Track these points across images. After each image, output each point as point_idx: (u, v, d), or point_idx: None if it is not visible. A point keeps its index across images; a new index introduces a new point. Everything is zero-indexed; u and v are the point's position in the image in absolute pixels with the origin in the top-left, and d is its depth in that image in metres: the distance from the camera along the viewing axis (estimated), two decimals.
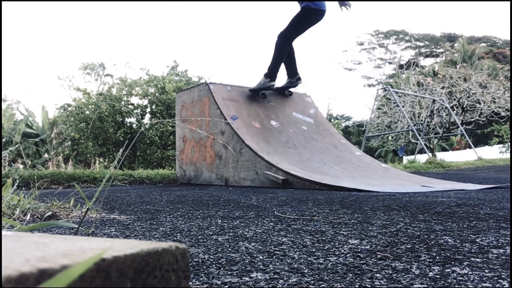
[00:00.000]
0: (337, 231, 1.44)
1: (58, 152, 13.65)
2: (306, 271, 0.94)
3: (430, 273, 0.90)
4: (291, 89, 5.30)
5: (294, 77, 5.05)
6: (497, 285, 0.80)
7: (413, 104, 15.43)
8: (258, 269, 0.96)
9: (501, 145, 19.53)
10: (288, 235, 1.38)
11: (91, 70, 18.81)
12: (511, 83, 15.11)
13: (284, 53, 4.80)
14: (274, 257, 1.08)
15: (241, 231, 1.47)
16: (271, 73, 4.84)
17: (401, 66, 35.17)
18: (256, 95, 4.96)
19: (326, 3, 4.76)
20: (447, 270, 0.92)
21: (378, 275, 0.89)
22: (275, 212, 1.96)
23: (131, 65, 15.44)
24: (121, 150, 1.15)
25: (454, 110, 14.92)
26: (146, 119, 10.56)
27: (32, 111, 14.66)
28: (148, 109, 10.55)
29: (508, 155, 16.91)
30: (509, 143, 17.96)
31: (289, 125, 4.86)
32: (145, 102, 10.53)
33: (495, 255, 1.04)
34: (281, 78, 5.74)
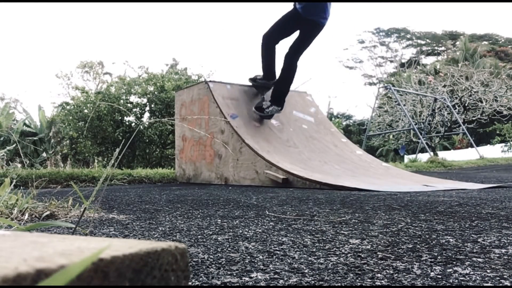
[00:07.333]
0: (338, 230, 1.43)
1: (56, 151, 13.65)
2: (306, 271, 0.93)
3: (432, 273, 0.90)
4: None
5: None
6: (499, 285, 0.80)
7: (414, 102, 15.40)
8: (258, 269, 0.95)
9: (503, 144, 19.46)
10: (288, 235, 1.37)
11: (89, 69, 18.79)
12: None
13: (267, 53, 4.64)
14: (274, 257, 1.07)
15: (241, 231, 1.46)
16: (267, 75, 4.74)
17: (402, 65, 35.13)
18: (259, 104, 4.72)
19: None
20: (448, 270, 0.91)
21: (379, 275, 0.89)
22: (275, 212, 1.96)
23: (130, 64, 15.43)
24: (117, 150, 1.14)
25: (455, 108, 14.87)
26: (145, 118, 10.53)
27: (29, 111, 14.69)
28: (147, 108, 10.52)
29: (510, 154, 16.89)
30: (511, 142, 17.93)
31: (290, 123, 4.85)
32: (144, 100, 10.49)
33: (497, 255, 1.04)
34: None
